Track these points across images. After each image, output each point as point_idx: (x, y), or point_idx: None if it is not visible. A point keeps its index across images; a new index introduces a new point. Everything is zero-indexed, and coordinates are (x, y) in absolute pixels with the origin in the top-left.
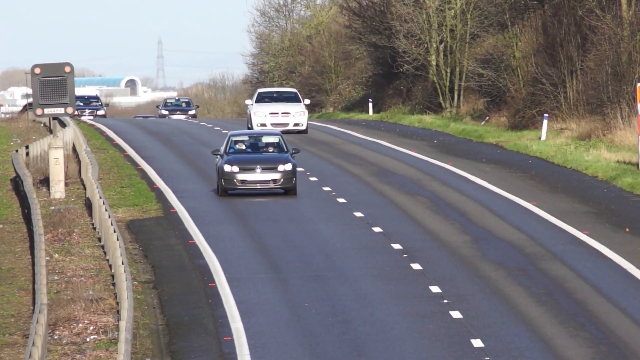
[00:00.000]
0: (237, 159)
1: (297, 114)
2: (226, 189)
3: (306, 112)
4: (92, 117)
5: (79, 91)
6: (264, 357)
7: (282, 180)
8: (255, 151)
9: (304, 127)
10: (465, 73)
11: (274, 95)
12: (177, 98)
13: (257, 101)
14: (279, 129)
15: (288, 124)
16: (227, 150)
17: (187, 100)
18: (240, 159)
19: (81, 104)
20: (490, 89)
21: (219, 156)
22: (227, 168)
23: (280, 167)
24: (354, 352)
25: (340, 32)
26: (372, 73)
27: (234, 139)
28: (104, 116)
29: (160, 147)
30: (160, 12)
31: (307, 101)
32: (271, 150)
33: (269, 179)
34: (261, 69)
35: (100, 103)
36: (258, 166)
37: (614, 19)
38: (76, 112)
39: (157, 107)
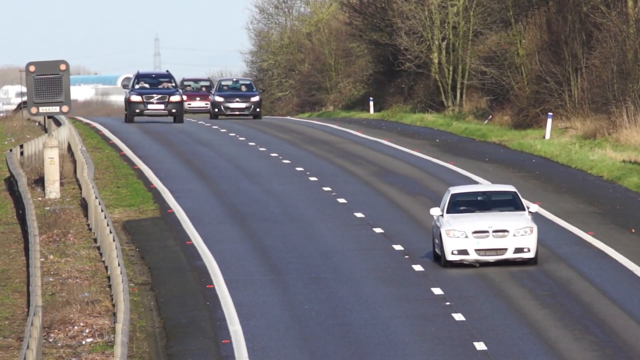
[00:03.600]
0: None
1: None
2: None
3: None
4: (162, 108)
5: (141, 67)
6: None
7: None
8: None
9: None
10: (468, 71)
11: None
12: (234, 79)
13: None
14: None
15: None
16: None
17: (247, 82)
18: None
19: (147, 85)
20: (493, 87)
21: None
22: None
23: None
24: (355, 356)
25: (340, 30)
26: (373, 71)
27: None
28: (179, 104)
29: (157, 146)
30: (157, 9)
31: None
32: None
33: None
34: (260, 67)
35: (174, 84)
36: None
37: (620, 15)
38: (138, 99)
39: (210, 92)
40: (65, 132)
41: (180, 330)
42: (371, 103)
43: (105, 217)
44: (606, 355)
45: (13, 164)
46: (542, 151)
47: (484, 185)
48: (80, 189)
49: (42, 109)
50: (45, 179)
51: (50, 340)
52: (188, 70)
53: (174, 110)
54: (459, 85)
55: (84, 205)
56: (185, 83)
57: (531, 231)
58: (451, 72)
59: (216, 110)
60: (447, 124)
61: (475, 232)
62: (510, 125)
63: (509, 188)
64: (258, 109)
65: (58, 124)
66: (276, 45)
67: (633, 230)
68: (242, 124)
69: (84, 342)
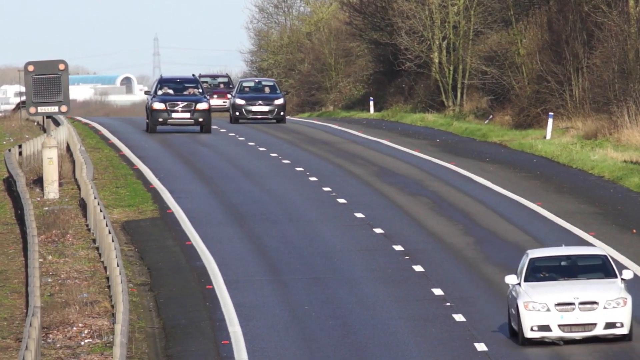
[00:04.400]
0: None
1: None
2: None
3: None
4: (188, 117)
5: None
6: None
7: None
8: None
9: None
10: (469, 71)
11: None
12: (256, 79)
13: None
14: None
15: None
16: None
17: (271, 83)
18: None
19: (170, 91)
20: (494, 86)
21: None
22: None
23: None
24: (355, 357)
25: (340, 29)
26: (373, 71)
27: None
28: (206, 113)
29: (156, 147)
30: (157, 8)
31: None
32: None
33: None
34: (260, 67)
35: (201, 90)
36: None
37: (621, 15)
38: (161, 106)
39: (230, 94)
40: (64, 132)
41: (180, 331)
42: (371, 103)
43: (104, 218)
44: (608, 356)
45: (12, 164)
46: (543, 151)
47: (569, 248)
48: (79, 189)
49: (40, 109)
50: (44, 179)
51: (49, 341)
52: (187, 70)
53: (201, 119)
54: (459, 85)
55: (83, 206)
56: (202, 79)
57: (625, 303)
58: (452, 72)
59: (237, 113)
60: (448, 124)
61: (559, 304)
62: (511, 125)
63: (599, 251)
64: (282, 113)
65: (57, 123)
66: (276, 45)
67: (634, 231)
68: (242, 123)
69: (82, 343)
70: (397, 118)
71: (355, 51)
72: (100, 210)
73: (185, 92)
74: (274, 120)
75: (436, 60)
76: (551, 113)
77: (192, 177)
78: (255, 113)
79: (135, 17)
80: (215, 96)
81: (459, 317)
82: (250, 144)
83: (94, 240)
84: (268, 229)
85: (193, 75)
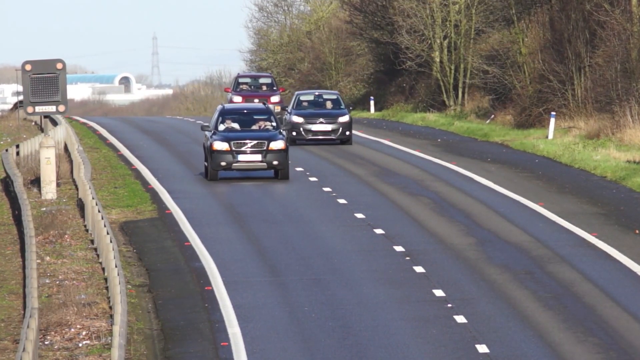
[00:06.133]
0: None
1: None
2: None
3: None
4: (259, 159)
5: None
6: None
7: None
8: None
9: None
10: (470, 70)
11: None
12: (316, 92)
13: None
14: None
15: None
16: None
17: (334, 96)
18: None
19: (235, 126)
20: (495, 86)
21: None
22: None
23: None
24: (355, 358)
25: (340, 28)
26: (374, 70)
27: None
28: (283, 154)
29: (155, 146)
30: (155, 7)
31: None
32: None
33: None
34: (259, 66)
35: (275, 122)
36: None
37: (624, 14)
38: (224, 146)
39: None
40: (62, 132)
41: (179, 333)
42: (372, 102)
43: (102, 218)
44: (610, 357)
45: (9, 164)
46: (544, 151)
47: None
48: (77, 189)
49: (38, 108)
50: (42, 179)
51: (47, 342)
52: (186, 69)
53: (275, 162)
54: (460, 85)
55: (81, 206)
56: (240, 80)
57: None
58: (453, 71)
59: (294, 133)
60: (449, 124)
61: None
62: (512, 125)
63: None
64: (348, 132)
65: (55, 123)
66: (275, 44)
67: (637, 231)
68: None
69: (80, 345)
70: (397, 118)
71: (356, 50)
72: (99, 211)
73: (254, 126)
74: (338, 142)
75: (437, 60)
76: (553, 113)
77: (191, 177)
78: (316, 133)
79: (133, 16)
80: (255, 100)
81: (460, 319)
82: None
83: (92, 241)
84: (267, 229)
85: (264, 103)
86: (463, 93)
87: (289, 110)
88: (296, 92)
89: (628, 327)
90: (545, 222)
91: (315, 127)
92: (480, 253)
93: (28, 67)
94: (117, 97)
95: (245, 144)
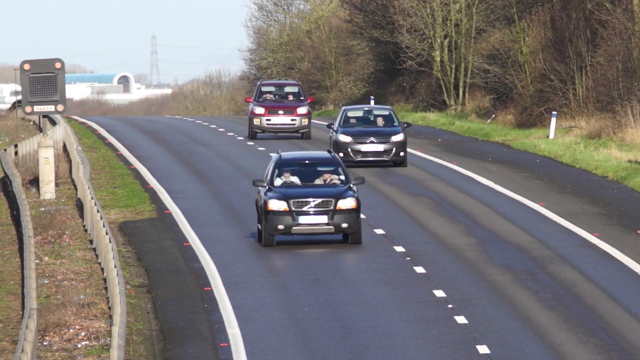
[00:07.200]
0: None
1: None
2: None
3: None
4: (325, 222)
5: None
6: None
7: None
8: None
9: None
10: (471, 69)
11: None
12: (366, 108)
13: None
14: None
15: None
16: None
17: (386, 112)
18: None
19: (294, 180)
20: (496, 85)
21: None
22: None
23: None
24: (356, 359)
25: (340, 27)
26: (374, 69)
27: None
28: (352, 215)
29: (154, 146)
30: (154, 6)
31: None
32: None
33: None
34: (259, 65)
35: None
36: None
37: (625, 13)
38: (282, 206)
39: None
40: (60, 132)
41: (178, 333)
42: (372, 102)
43: (101, 218)
44: (611, 358)
45: (7, 164)
46: (546, 151)
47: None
48: (76, 189)
49: (37, 108)
50: (40, 179)
51: (45, 343)
52: (185, 68)
53: (344, 226)
54: (461, 84)
55: (80, 206)
56: (263, 89)
57: None
58: (453, 71)
59: (341, 155)
60: (450, 123)
61: None
62: (513, 125)
63: None
64: (402, 153)
65: (53, 123)
66: (275, 43)
67: (639, 232)
68: (242, 124)
69: (79, 345)
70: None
71: (356, 49)
72: (98, 211)
73: (318, 180)
74: (391, 163)
75: (438, 59)
76: (554, 112)
77: (190, 177)
78: (366, 154)
79: (132, 15)
80: (280, 112)
81: (460, 319)
82: (249, 143)
83: (91, 241)
84: None
85: (329, 151)
86: (464, 92)
87: (334, 128)
88: (343, 107)
89: (629, 327)
90: (546, 222)
91: (365, 148)
92: (481, 253)
93: (26, 67)
94: (116, 97)
95: (307, 202)
